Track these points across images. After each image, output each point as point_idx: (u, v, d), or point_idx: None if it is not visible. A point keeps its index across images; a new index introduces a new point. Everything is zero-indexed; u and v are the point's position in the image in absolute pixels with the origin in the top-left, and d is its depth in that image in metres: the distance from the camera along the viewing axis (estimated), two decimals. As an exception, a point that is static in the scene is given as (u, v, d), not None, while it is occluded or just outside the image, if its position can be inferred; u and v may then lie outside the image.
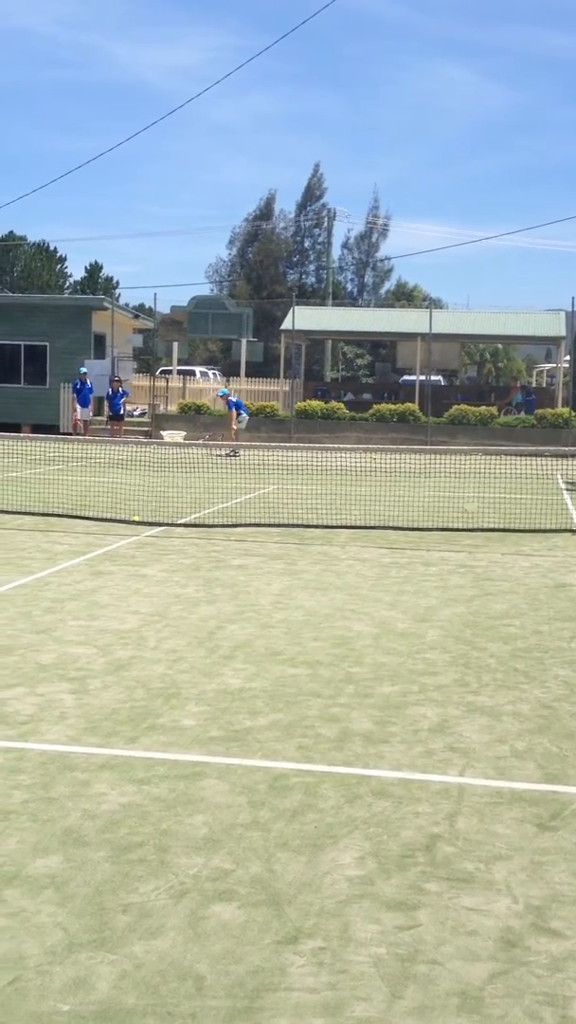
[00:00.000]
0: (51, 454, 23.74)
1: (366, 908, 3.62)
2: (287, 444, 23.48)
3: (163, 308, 37.51)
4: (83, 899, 3.64)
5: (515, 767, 5.00)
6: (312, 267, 68.22)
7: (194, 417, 32.33)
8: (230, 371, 45.07)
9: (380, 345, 54.36)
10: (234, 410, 27.69)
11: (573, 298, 32.72)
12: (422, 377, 35.62)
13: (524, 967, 3.27)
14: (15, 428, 31.88)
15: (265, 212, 67.79)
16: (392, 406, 32.40)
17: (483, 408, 32.12)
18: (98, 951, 3.31)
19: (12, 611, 8.13)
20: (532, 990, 3.14)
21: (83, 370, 30.14)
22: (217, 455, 22.82)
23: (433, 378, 36.62)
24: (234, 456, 23.30)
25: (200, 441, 26.58)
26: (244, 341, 36.17)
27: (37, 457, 23.14)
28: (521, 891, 3.76)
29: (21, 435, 24.72)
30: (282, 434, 30.42)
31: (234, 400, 28.41)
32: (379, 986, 3.15)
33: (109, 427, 29.68)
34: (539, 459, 22.11)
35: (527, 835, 4.24)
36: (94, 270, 68.73)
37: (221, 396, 29.58)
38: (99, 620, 7.87)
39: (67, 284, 68.65)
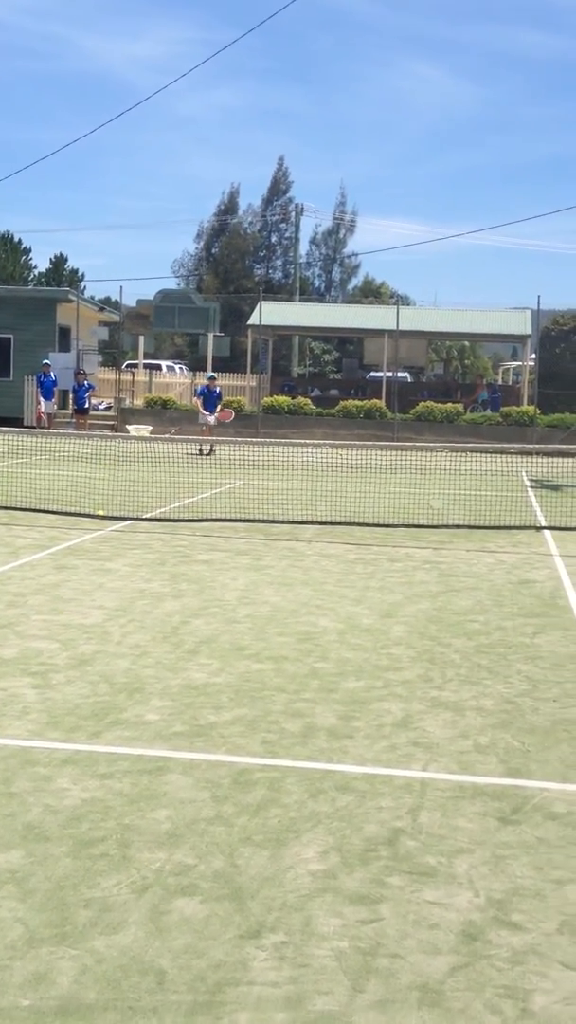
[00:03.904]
0: (15, 447, 23.55)
1: (328, 902, 3.62)
2: (253, 439, 23.45)
3: (129, 301, 37.55)
4: (44, 894, 3.62)
5: (478, 762, 5.02)
6: (279, 262, 68.18)
7: (160, 411, 32.22)
8: (196, 366, 44.95)
9: (347, 341, 54.44)
10: (201, 399, 26.58)
11: (539, 297, 33.01)
12: (389, 374, 35.75)
13: (485, 960, 3.29)
14: (-21, 421, 31.64)
15: (229, 206, 67.66)
16: (359, 402, 32.48)
17: (449, 405, 32.28)
18: (59, 946, 3.29)
19: (-26, 605, 8.06)
20: (493, 983, 3.16)
21: (46, 361, 29.91)
22: (204, 453, 22.69)
23: (400, 375, 36.77)
24: (209, 455, 23.10)
25: (179, 436, 26.30)
26: (211, 336, 36.08)
27: (0, 450, 22.96)
28: (483, 885, 3.79)
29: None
30: (249, 429, 30.39)
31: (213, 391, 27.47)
32: (341, 980, 3.15)
33: (74, 421, 29.51)
34: (504, 456, 22.26)
35: (489, 829, 4.27)
36: (59, 262, 68.20)
37: (209, 380, 28.21)
38: (63, 614, 7.82)
39: (32, 276, 68.08)
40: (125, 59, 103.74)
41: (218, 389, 27.18)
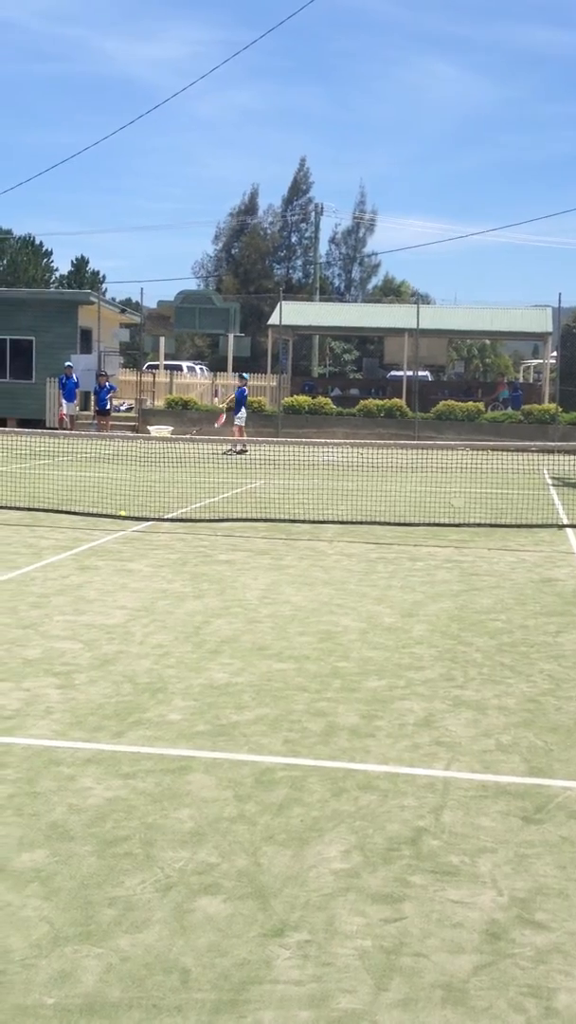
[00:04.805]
0: (37, 449, 23.67)
1: (351, 901, 3.63)
2: (274, 439, 23.46)
3: (150, 303, 37.58)
4: (69, 893, 3.64)
5: (500, 761, 5.01)
6: (299, 262, 68.18)
7: (181, 412, 32.29)
8: (217, 366, 45.04)
9: (367, 340, 54.38)
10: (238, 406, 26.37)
11: (560, 294, 32.88)
12: (409, 373, 35.67)
13: (509, 959, 3.29)
14: (1, 423, 31.85)
15: (249, 207, 67.69)
16: (379, 401, 32.43)
17: (470, 404, 32.20)
18: (83, 944, 3.31)
19: (-2, 606, 8.11)
20: (516, 982, 3.16)
21: (68, 364, 30.03)
22: (230, 452, 22.65)
23: (420, 374, 36.68)
24: (241, 453, 23.02)
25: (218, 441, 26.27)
26: (231, 336, 36.12)
27: (23, 451, 23.08)
28: (506, 884, 3.78)
29: (7, 429, 24.64)
30: (269, 429, 30.41)
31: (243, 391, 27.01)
32: (364, 978, 3.16)
33: (96, 422, 29.61)
34: (526, 454, 22.18)
35: (512, 828, 4.26)
36: (80, 264, 68.50)
37: (241, 380, 27.99)
38: (85, 615, 7.86)
39: (53, 278, 68.40)
40: (144, 61, 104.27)
41: (243, 390, 27.15)
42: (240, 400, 26.57)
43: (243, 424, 26.37)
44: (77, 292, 43.36)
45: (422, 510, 14.34)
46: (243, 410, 26.60)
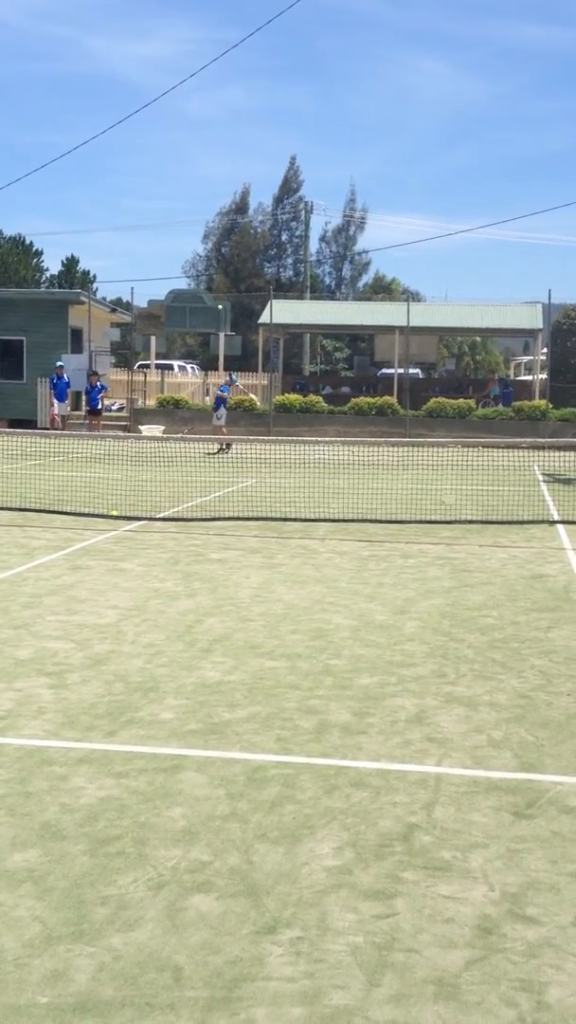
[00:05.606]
0: (29, 449, 23.64)
1: (344, 898, 3.64)
2: (266, 438, 23.46)
3: (140, 302, 37.49)
4: (61, 892, 3.64)
5: (492, 756, 5.03)
6: (290, 261, 68.05)
7: (172, 411, 32.27)
8: (208, 365, 45.01)
9: (358, 338, 54.37)
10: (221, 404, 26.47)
11: (550, 291, 32.86)
12: (400, 370, 35.70)
13: (500, 954, 3.30)
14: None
15: (240, 206, 67.64)
16: (371, 399, 32.43)
17: (461, 401, 32.20)
18: (76, 943, 3.32)
19: (-10, 606, 8.10)
20: (508, 976, 3.17)
21: (59, 363, 29.99)
22: (214, 452, 22.65)
23: (411, 371, 36.71)
24: (226, 452, 23.05)
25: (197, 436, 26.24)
26: (222, 335, 36.10)
27: (14, 452, 23.04)
28: (497, 879, 3.79)
29: (-2, 430, 24.60)
30: (261, 428, 30.40)
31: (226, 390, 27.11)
32: (356, 974, 3.17)
33: (87, 422, 29.57)
34: (517, 451, 22.23)
35: (503, 823, 4.27)
36: (71, 264, 68.31)
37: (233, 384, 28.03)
38: (77, 615, 7.85)
39: (44, 278, 68.22)
40: (133, 60, 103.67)
41: (226, 388, 27.21)
42: (221, 398, 26.58)
43: (222, 423, 26.21)
44: (67, 292, 43.25)
45: (414, 507, 14.35)
46: (223, 408, 26.47)
